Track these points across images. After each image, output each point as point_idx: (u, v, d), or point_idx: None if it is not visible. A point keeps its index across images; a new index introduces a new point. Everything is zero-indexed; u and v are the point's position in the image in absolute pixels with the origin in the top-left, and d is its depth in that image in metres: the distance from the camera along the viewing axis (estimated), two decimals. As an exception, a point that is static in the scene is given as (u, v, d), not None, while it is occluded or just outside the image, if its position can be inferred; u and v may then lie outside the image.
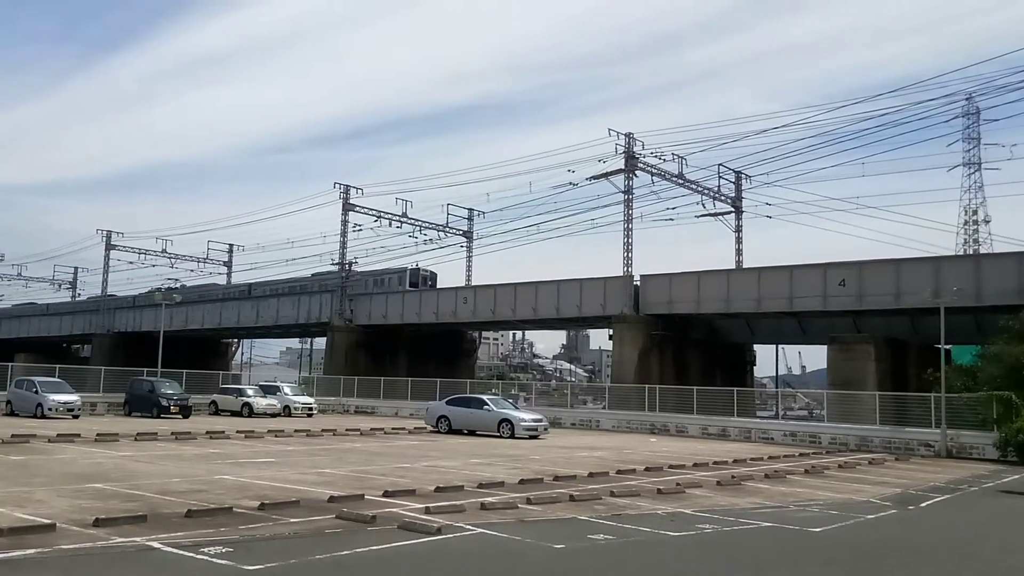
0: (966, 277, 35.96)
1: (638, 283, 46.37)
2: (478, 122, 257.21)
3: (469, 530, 11.02)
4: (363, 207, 58.29)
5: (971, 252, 40.95)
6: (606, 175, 46.29)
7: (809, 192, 49.94)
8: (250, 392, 41.42)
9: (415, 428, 33.63)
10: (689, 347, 47.33)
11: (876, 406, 32.10)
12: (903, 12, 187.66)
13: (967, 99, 49.16)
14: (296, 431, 29.09)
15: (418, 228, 58.34)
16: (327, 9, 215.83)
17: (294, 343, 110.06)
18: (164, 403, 35.51)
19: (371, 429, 31.76)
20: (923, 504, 16.41)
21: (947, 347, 34.21)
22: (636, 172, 46.29)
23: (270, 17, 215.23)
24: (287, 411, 40.47)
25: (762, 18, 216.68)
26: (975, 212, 58.40)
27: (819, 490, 17.74)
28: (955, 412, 29.20)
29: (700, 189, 48.79)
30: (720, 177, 49.77)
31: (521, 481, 16.59)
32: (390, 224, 57.49)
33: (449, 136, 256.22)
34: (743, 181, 51.02)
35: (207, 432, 26.64)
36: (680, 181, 47.64)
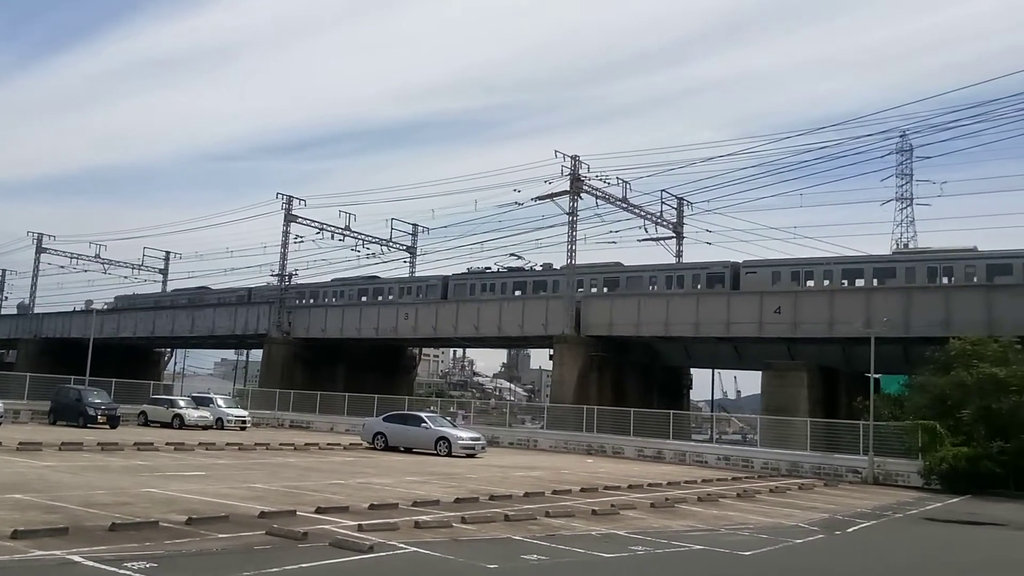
0: (896, 309, 37.02)
1: (580, 305, 46.73)
2: (427, 138, 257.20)
3: (402, 548, 10.90)
4: (306, 219, 57.72)
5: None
6: (551, 196, 46.64)
7: (749, 220, 50.95)
8: (182, 403, 40.46)
9: (351, 444, 33.21)
10: (628, 369, 47.77)
11: (807, 432, 32.73)
12: (847, 50, 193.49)
13: (901, 136, 50.97)
14: (228, 444, 28.51)
15: (361, 242, 57.96)
16: (280, 19, 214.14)
17: (230, 354, 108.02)
18: (91, 412, 34.51)
19: (306, 444, 31.28)
20: (850, 530, 16.74)
21: (876, 376, 35.14)
22: (581, 194, 46.74)
23: (223, 24, 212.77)
24: (220, 424, 39.58)
25: (713, 50, 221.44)
26: (906, 246, 60.23)
27: (750, 514, 17.98)
28: (882, 440, 29.91)
29: (643, 213, 49.47)
30: (663, 203, 50.64)
31: (457, 500, 16.50)
32: (332, 237, 56.98)
33: (398, 151, 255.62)
34: (685, 207, 51.92)
35: (135, 443, 25.92)
36: (624, 205, 48.25)
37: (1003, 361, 28.64)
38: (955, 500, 24.82)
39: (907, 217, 62.13)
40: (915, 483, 28.69)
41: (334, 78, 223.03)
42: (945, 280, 38.96)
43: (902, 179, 60.86)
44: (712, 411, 62.39)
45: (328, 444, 32.52)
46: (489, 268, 52.82)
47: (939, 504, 23.36)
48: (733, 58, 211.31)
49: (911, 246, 59.86)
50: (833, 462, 31.07)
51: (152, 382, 52.81)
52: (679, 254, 51.94)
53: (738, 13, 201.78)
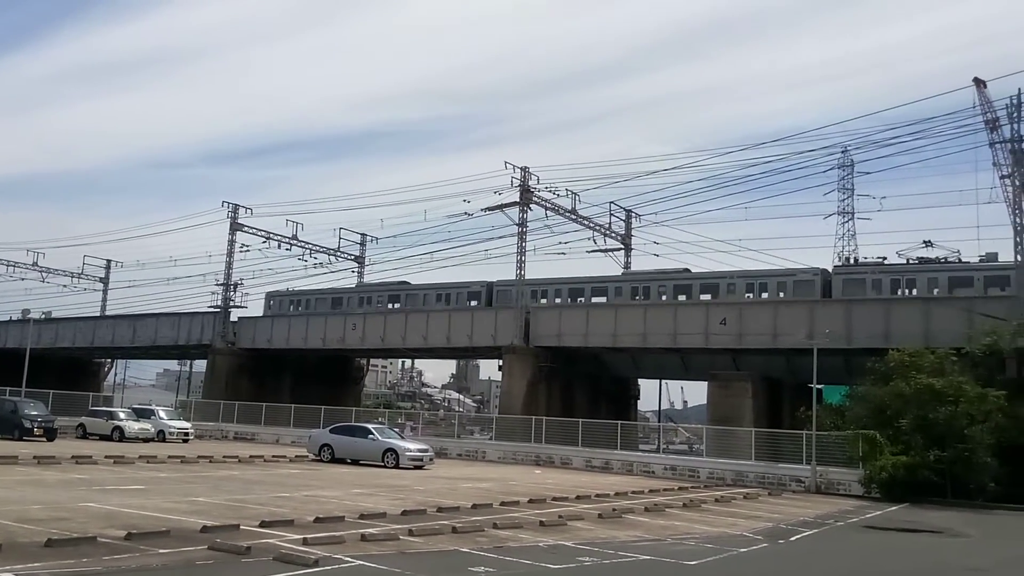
0: (838, 321, 37.80)
1: (529, 315, 46.85)
2: (377, 148, 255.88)
3: (348, 562, 10.79)
4: (252, 227, 57.02)
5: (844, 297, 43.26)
6: (501, 207, 46.76)
7: (695, 233, 51.69)
8: (122, 415, 39.50)
9: (297, 456, 32.77)
10: (576, 380, 47.99)
11: (752, 442, 33.18)
12: (791, 67, 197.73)
13: (843, 151, 52.02)
14: (170, 457, 27.94)
15: (308, 251, 57.39)
16: (231, 26, 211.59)
17: (173, 365, 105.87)
18: (27, 425, 33.58)
19: (250, 456, 30.79)
20: (792, 538, 17.01)
21: (819, 387, 35.75)
22: (531, 206, 46.95)
23: (171, 29, 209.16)
24: (161, 436, 38.75)
25: (661, 65, 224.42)
26: (848, 259, 61.56)
27: (696, 523, 18.17)
28: (824, 449, 30.45)
29: (592, 225, 49.85)
30: (612, 215, 51.09)
31: (404, 512, 16.38)
32: (279, 246, 56.40)
33: (347, 160, 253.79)
34: (633, 219, 52.45)
35: (73, 457, 25.26)
36: (573, 216, 48.58)
37: (939, 372, 29.39)
38: (894, 508, 25.36)
39: (848, 231, 63.40)
40: (856, 492, 29.23)
41: (283, 86, 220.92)
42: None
43: (844, 194, 62.13)
44: (659, 421, 63.03)
45: (273, 456, 32.05)
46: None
47: (879, 512, 23.84)
48: (680, 73, 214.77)
49: (852, 260, 61.28)
50: (777, 471, 31.54)
51: (91, 393, 51.61)
52: (627, 265, 52.40)
53: (685, 30, 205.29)
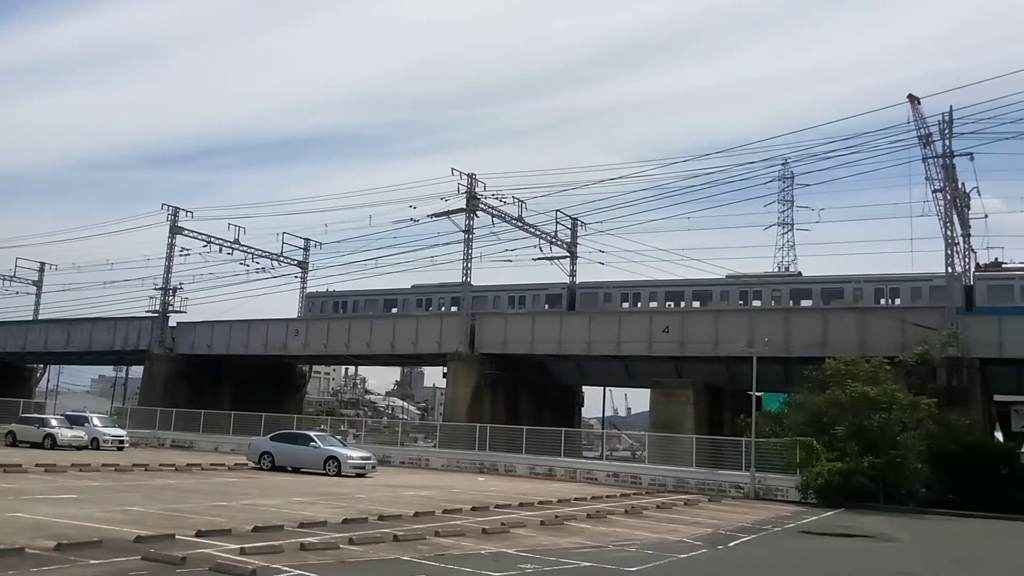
0: (777, 330, 38.50)
1: (474, 322, 46.80)
2: (322, 152, 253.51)
3: (286, 572, 10.64)
4: (193, 231, 55.96)
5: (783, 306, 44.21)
6: (447, 213, 46.65)
7: (639, 242, 51.87)
8: (54, 422, 38.36)
9: (236, 464, 32.24)
10: (521, 387, 48.03)
11: (693, 449, 33.59)
12: (735, 81, 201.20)
13: (784, 164, 53.23)
14: (104, 465, 27.26)
15: (250, 256, 56.52)
16: (173, 26, 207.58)
17: (108, 371, 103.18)
18: (-47, 432, 32.39)
19: (187, 465, 30.19)
20: (731, 544, 17.25)
21: (758, 394, 36.37)
22: (477, 212, 46.94)
23: (109, 29, 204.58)
24: (95, 444, 37.72)
25: (607, 75, 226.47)
26: (787, 269, 62.92)
27: (637, 530, 18.32)
28: (763, 456, 30.97)
29: (538, 233, 49.99)
30: (558, 223, 51.25)
31: (345, 520, 16.22)
32: (221, 250, 55.39)
33: (292, 165, 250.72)
34: (579, 228, 52.75)
35: (1, 465, 24.46)
36: (519, 224, 48.67)
37: (874, 380, 30.11)
38: (830, 513, 25.87)
39: (788, 241, 64.98)
40: (793, 497, 29.76)
41: (225, 89, 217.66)
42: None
43: (784, 205, 63.70)
44: (603, 428, 63.46)
45: (212, 464, 31.48)
46: None
47: (815, 518, 24.31)
48: (628, 84, 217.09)
49: (791, 269, 62.58)
50: (717, 478, 31.96)
51: (22, 400, 50.02)
52: (572, 273, 52.71)
53: (632, 42, 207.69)
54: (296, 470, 30.97)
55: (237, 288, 55.60)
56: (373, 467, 31.58)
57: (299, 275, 60.52)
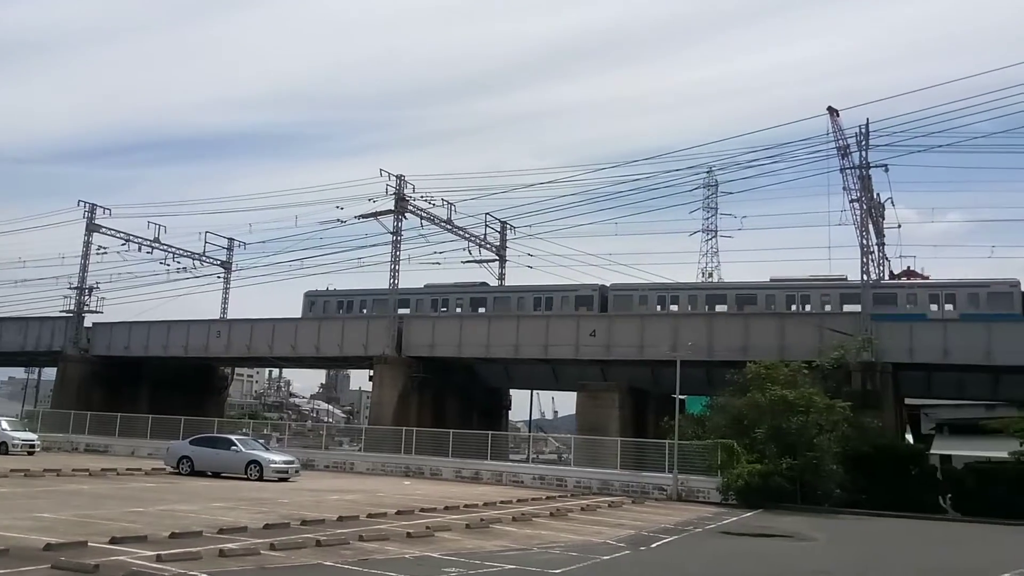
0: (700, 334, 39.28)
1: (401, 324, 46.52)
2: (247, 150, 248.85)
3: (204, 579, 10.39)
4: (110, 228, 54.32)
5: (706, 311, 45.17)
6: (375, 214, 46.33)
7: (567, 246, 52.66)
8: (-41, 426, 36.74)
9: (154, 469, 31.35)
10: (448, 390, 47.92)
11: (618, 451, 33.94)
12: (661, 89, 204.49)
13: (708, 172, 54.42)
14: (12, 471, 26.16)
15: (171, 255, 55.16)
16: (85, 18, 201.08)
17: (19, 372, 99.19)
18: None
19: (102, 469, 29.26)
20: (653, 545, 17.50)
21: (682, 397, 37.02)
22: (406, 214, 46.72)
23: (23, 20, 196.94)
24: (3, 448, 36.23)
25: (540, 80, 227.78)
26: (710, 275, 64.31)
27: (562, 532, 18.43)
28: (686, 458, 31.48)
29: (468, 236, 50.08)
30: (487, 226, 51.48)
31: (266, 526, 15.92)
32: (140, 249, 53.96)
33: (216, 162, 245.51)
34: (508, 231, 52.97)
35: (-100, 471, 23.34)
36: (449, 227, 48.65)
37: (792, 384, 30.94)
38: (749, 514, 26.44)
39: (712, 248, 66.27)
40: (714, 499, 30.31)
41: (147, 83, 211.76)
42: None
43: (708, 212, 64.98)
44: (530, 431, 63.73)
45: (128, 469, 30.56)
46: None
47: (735, 518, 24.81)
48: (558, 90, 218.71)
49: (714, 275, 63.90)
50: (641, 480, 32.36)
51: (-76, 403, 47.79)
52: (501, 276, 52.87)
53: (563, 48, 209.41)
54: (216, 475, 30.29)
55: (157, 288, 54.31)
56: (296, 471, 31.10)
57: (222, 275, 59.32)
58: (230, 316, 57.34)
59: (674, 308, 45.22)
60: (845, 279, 43.23)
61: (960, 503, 30.68)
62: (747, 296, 44.10)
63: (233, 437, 32.92)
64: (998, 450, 31.51)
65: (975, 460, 33.06)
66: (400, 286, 47.51)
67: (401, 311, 49.54)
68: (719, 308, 43.98)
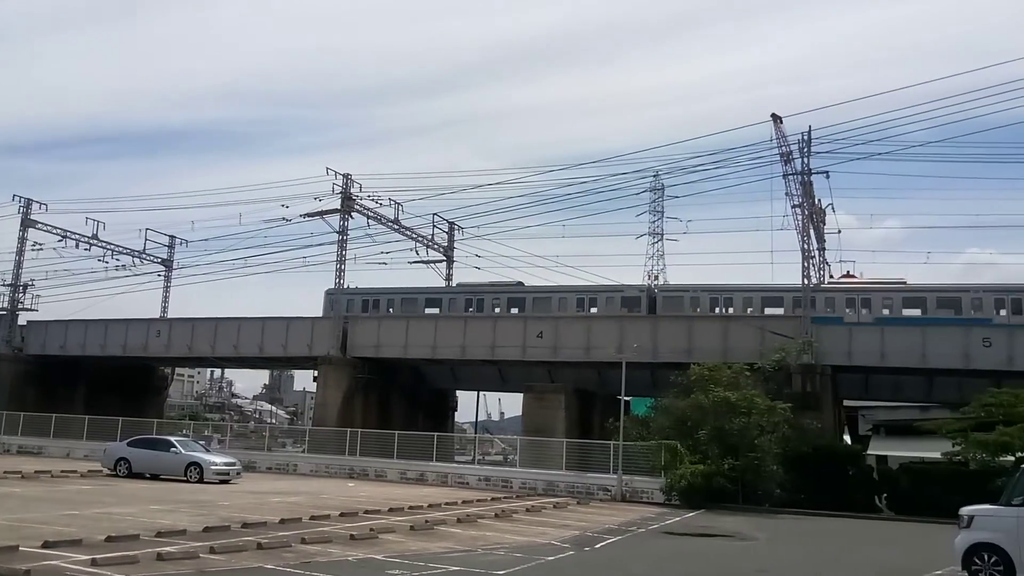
0: (645, 336, 39.63)
1: (347, 325, 46.12)
2: (190, 147, 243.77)
3: (140, 583, 10.16)
4: (47, 224, 52.89)
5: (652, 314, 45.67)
6: (321, 213, 45.87)
7: (515, 248, 52.72)
8: None
9: (90, 471, 30.57)
10: (394, 391, 47.64)
11: (563, 452, 34.09)
12: (612, 93, 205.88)
13: (655, 176, 54.95)
14: (-60, 474, 25.33)
15: (110, 252, 53.87)
16: (29, 8, 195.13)
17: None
18: None
19: (35, 472, 28.42)
20: (598, 545, 17.62)
21: (627, 399, 37.32)
22: (352, 213, 46.35)
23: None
24: (-69, 450, 35.06)
25: (489, 81, 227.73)
26: (656, 278, 64.81)
27: (507, 533, 18.45)
28: (630, 459, 31.75)
29: (415, 236, 49.86)
30: (435, 226, 51.31)
31: (206, 529, 15.65)
32: (77, 245, 52.62)
33: (157, 158, 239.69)
34: (456, 232, 52.88)
35: None
36: (396, 227, 48.39)
37: (735, 386, 31.41)
38: (692, 514, 26.78)
39: (658, 251, 66.77)
40: (658, 499, 30.60)
41: (91, 77, 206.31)
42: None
43: (654, 216, 65.44)
44: (476, 433, 63.66)
45: (63, 472, 29.75)
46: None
47: (678, 518, 25.11)
48: (505, 91, 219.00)
49: (660, 278, 64.56)
50: (586, 481, 32.55)
51: None
52: (449, 277, 52.74)
53: (513, 50, 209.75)
54: (155, 477, 29.70)
55: (95, 286, 52.96)
56: (238, 473, 30.63)
57: (163, 274, 58.14)
58: (171, 315, 56.21)
59: (730, 311, 43.97)
60: (904, 282, 43.43)
61: (895, 502, 31.44)
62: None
63: (172, 439, 32.33)
64: (932, 451, 32.38)
65: (910, 461, 33.91)
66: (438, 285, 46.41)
67: (430, 311, 48.23)
68: (769, 311, 43.34)
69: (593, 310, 45.97)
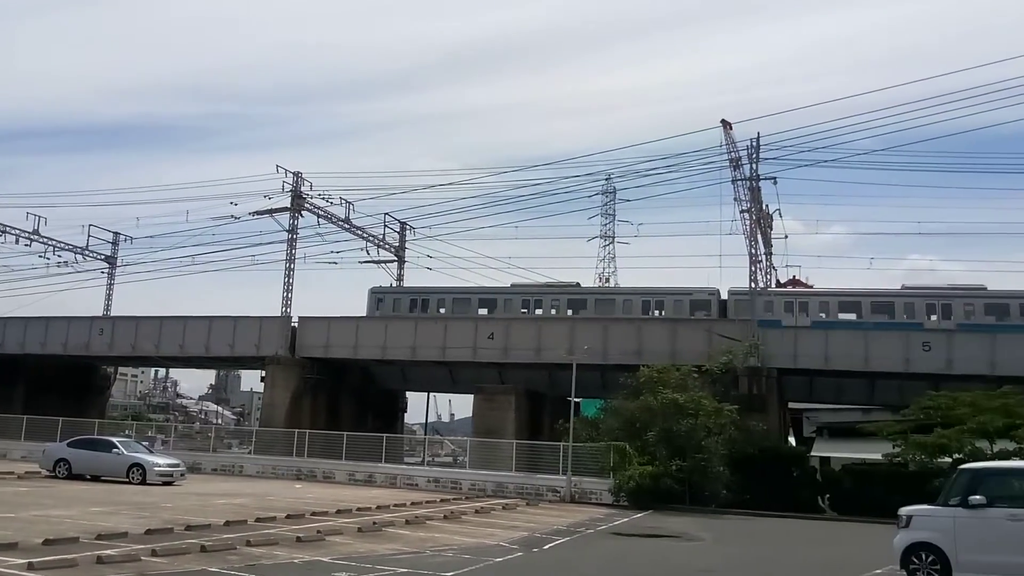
0: (595, 338, 39.85)
1: (296, 325, 45.62)
2: (136, 142, 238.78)
3: (79, 588, 9.92)
4: (-17, 219, 51.34)
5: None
6: (271, 211, 45.34)
7: (467, 248, 52.74)
8: None
9: (27, 472, 29.79)
10: (343, 392, 47.25)
11: (513, 454, 34.15)
12: (562, 96, 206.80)
13: (607, 179, 55.39)
14: None
15: (51, 248, 52.54)
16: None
17: None
18: None
19: (-30, 474, 27.62)
20: (546, 547, 17.66)
21: (577, 400, 37.52)
22: (302, 212, 45.89)
23: None
24: None
25: (443, 82, 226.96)
26: (607, 280, 65.34)
27: (455, 535, 18.40)
28: (580, 460, 31.91)
29: (366, 236, 49.53)
30: (386, 226, 50.99)
31: (148, 531, 15.34)
32: (17, 241, 51.22)
33: (104, 153, 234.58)
34: (408, 232, 52.64)
35: None
36: (346, 226, 48.01)
37: (683, 388, 31.77)
38: (640, 515, 26.99)
39: (609, 254, 67.32)
40: (607, 500, 30.78)
41: (25, 68, 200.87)
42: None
43: (606, 218, 65.98)
44: (426, 434, 63.43)
45: (-1, 473, 28.95)
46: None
47: (626, 519, 25.28)
48: (460, 92, 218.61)
49: (611, 281, 65.05)
50: (535, 482, 32.62)
51: None
52: (400, 278, 52.46)
53: (467, 51, 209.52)
54: (96, 478, 29.06)
55: (36, 283, 51.67)
56: (182, 474, 30.10)
57: (106, 271, 56.87)
58: (114, 313, 54.97)
59: (823, 316, 42.39)
60: (984, 288, 42.67)
61: (837, 503, 32.05)
62: (883, 304, 41.97)
63: (115, 439, 31.67)
64: (873, 452, 33.13)
65: (852, 462, 34.63)
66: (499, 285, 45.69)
67: (483, 311, 46.66)
68: (843, 316, 42.45)
69: (657, 313, 44.80)
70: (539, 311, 46.01)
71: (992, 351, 36.09)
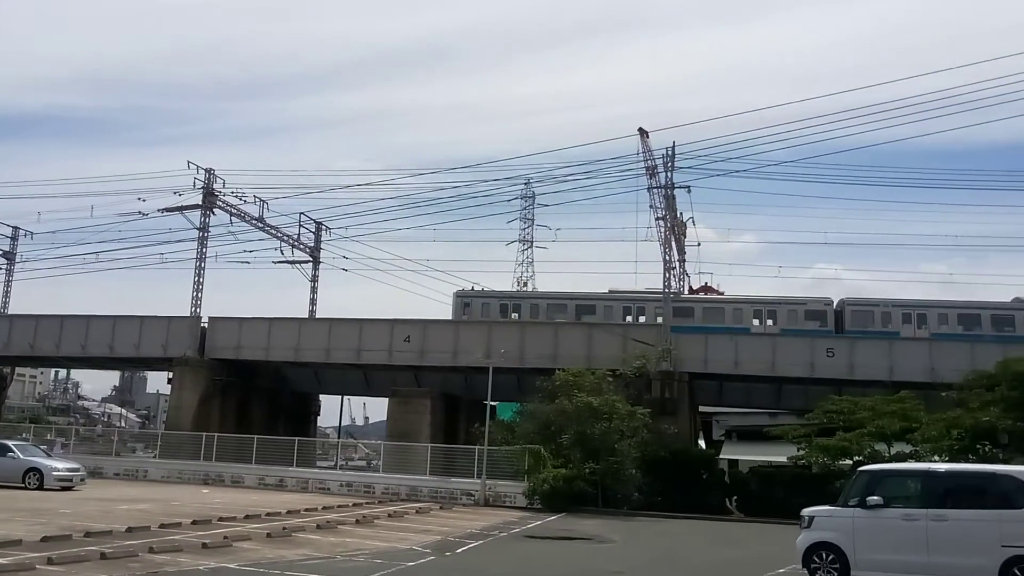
0: (512, 342, 39.98)
1: (206, 325, 44.48)
2: (41, 134, 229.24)
3: (-34, 599, 9.43)
4: None
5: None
6: (181, 208, 44.20)
7: (385, 251, 52.33)
8: None
9: (-87, 478, 28.24)
10: (254, 395, 46.27)
11: (428, 457, 33.97)
12: (486, 99, 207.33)
13: (526, 183, 55.65)
14: None
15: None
16: None
17: None
18: None
19: None
20: (459, 550, 17.61)
21: (493, 403, 37.54)
22: (214, 210, 44.78)
23: None
24: None
25: (362, 82, 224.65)
26: (525, 284, 65.71)
27: (368, 539, 18.20)
28: (495, 463, 31.91)
29: (280, 235, 48.60)
30: (301, 226, 50.12)
31: (44, 538, 14.72)
32: (-94, 234, 48.57)
33: (13, 144, 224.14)
34: (324, 232, 51.86)
35: None
36: (260, 224, 47.04)
37: (598, 391, 32.10)
38: (553, 518, 27.14)
39: (528, 258, 67.71)
40: (521, 503, 30.85)
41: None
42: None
43: (525, 223, 66.40)
44: (339, 437, 62.60)
45: None
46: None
47: (539, 522, 25.39)
48: (384, 93, 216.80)
49: (529, 285, 65.40)
50: (450, 486, 32.50)
51: None
52: (314, 278, 51.65)
53: (388, 52, 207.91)
54: (-11, 484, 27.77)
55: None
56: (82, 479, 29.07)
57: (4, 266, 54.38)
58: (12, 311, 52.61)
59: (944, 329, 41.74)
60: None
61: (744, 504, 32.87)
62: (1004, 317, 41.94)
63: (10, 443, 30.46)
64: (779, 455, 34.08)
65: (759, 464, 35.55)
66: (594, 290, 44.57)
67: (587, 319, 44.15)
68: (953, 328, 41.75)
69: (770, 323, 43.63)
70: (642, 319, 44.29)
71: (890, 357, 37.64)
